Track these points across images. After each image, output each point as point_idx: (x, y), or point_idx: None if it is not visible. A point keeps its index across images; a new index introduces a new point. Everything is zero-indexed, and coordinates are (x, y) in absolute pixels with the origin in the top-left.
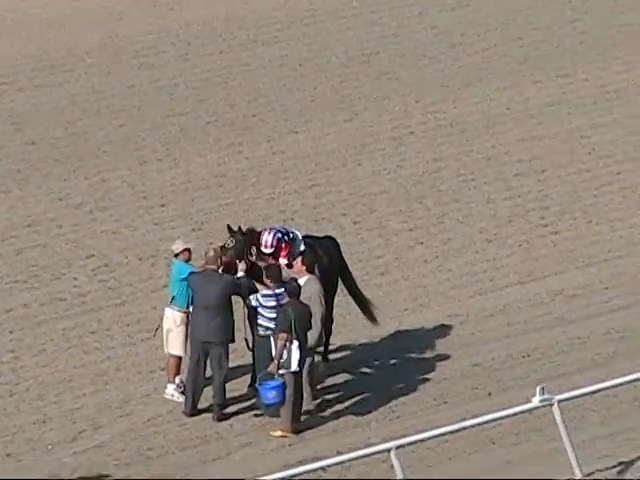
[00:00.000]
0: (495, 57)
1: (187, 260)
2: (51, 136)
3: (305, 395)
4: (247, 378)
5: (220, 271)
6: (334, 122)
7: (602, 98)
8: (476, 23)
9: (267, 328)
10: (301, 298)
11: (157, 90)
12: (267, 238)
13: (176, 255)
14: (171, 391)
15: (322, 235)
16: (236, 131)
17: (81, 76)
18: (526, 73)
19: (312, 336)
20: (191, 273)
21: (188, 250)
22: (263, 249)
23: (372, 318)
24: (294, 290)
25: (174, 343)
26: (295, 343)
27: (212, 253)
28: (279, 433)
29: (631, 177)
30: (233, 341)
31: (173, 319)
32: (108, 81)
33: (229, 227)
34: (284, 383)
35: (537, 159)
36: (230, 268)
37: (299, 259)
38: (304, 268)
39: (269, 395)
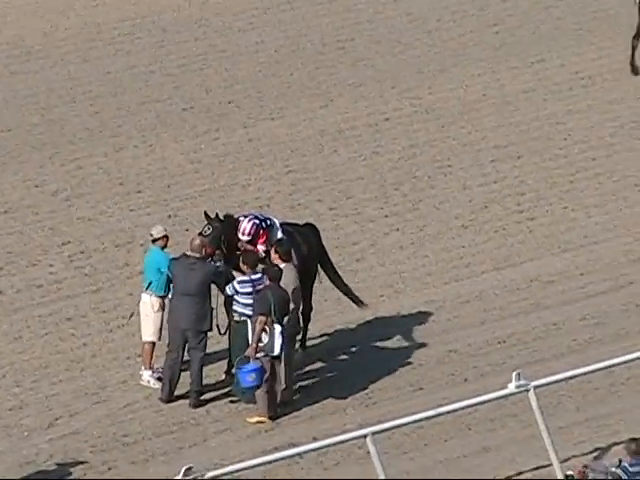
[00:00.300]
0: (471, 43)
1: (163, 247)
2: (27, 123)
3: (280, 383)
4: (223, 364)
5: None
6: (310, 108)
7: (577, 84)
8: (451, 9)
9: (242, 314)
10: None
11: (133, 77)
12: (245, 226)
13: (154, 241)
14: (147, 377)
15: (302, 223)
16: (212, 118)
17: (57, 63)
18: (502, 59)
19: (288, 324)
20: (172, 259)
21: (166, 237)
22: (241, 236)
23: (358, 301)
24: (275, 274)
25: (150, 329)
26: (277, 327)
27: (197, 241)
28: (255, 419)
29: (606, 163)
30: (211, 329)
31: (151, 304)
32: (84, 68)
33: (206, 214)
34: (262, 367)
35: (513, 145)
36: (210, 256)
37: (273, 248)
38: (277, 257)
39: (247, 378)
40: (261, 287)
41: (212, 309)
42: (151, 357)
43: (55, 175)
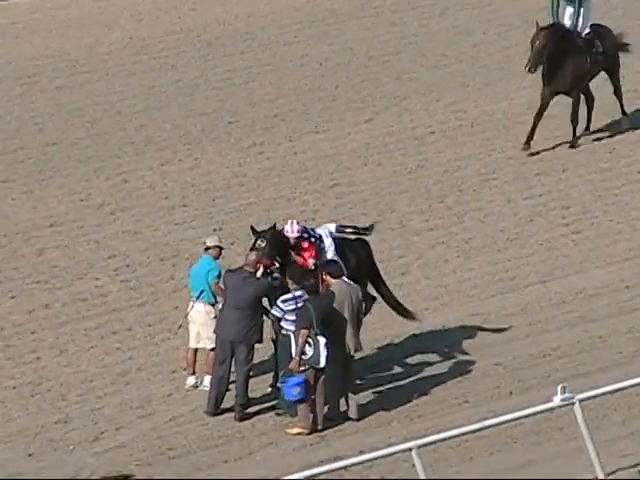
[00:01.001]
0: (516, 57)
1: (216, 257)
2: (72, 137)
3: (352, 404)
4: (268, 377)
5: (257, 274)
6: (355, 122)
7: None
8: (497, 22)
9: (289, 330)
10: (348, 305)
11: (178, 90)
12: (289, 227)
13: (207, 249)
14: (208, 383)
15: (354, 237)
16: (257, 131)
17: (102, 77)
18: None
19: (352, 340)
20: (227, 271)
21: (219, 247)
22: (289, 234)
23: (409, 315)
24: (313, 287)
25: (211, 336)
26: (322, 339)
27: (253, 257)
28: (296, 430)
29: None
30: (261, 342)
31: (205, 312)
32: (129, 82)
33: (253, 228)
34: (307, 380)
35: (558, 158)
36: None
37: (324, 271)
38: (328, 277)
39: (292, 392)
40: (303, 299)
41: (262, 322)
42: (214, 363)
43: (100, 189)
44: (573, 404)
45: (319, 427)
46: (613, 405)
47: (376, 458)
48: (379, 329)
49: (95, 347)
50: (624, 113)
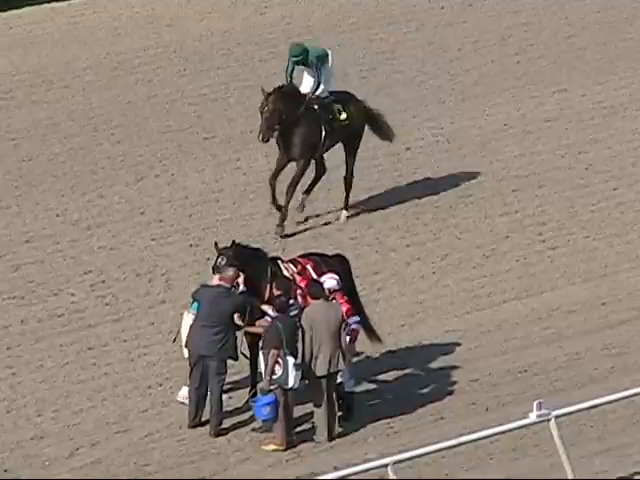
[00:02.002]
0: (492, 73)
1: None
2: (49, 152)
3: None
4: (244, 393)
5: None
6: None
7: (599, 114)
8: (473, 39)
9: None
10: (326, 325)
11: (154, 106)
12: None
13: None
14: (185, 394)
15: (332, 254)
16: (233, 147)
17: (78, 92)
18: (523, 89)
19: (333, 359)
20: (202, 286)
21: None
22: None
23: (377, 339)
24: (282, 305)
25: None
26: (291, 359)
27: (231, 272)
28: (272, 447)
29: (628, 193)
30: (235, 358)
31: None
32: (105, 97)
33: (216, 244)
34: (277, 399)
35: (534, 174)
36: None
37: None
38: (310, 299)
39: (263, 411)
40: (273, 317)
41: (235, 338)
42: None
43: (76, 204)
44: (549, 420)
45: (291, 443)
46: (589, 422)
47: (352, 474)
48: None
49: (71, 363)
50: (346, 207)
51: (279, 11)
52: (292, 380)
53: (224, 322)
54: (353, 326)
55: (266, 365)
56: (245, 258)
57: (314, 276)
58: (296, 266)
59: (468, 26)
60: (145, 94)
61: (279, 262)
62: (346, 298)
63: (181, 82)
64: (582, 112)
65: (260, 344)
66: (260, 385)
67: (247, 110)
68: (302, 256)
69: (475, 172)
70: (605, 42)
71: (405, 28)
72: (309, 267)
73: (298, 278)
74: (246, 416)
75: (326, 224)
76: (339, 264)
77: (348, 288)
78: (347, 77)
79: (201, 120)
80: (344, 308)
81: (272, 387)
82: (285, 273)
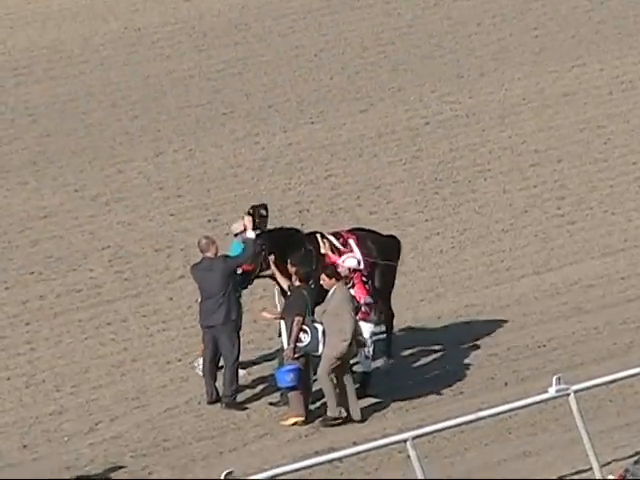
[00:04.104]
0: (510, 47)
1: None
2: (67, 128)
3: (330, 403)
4: (264, 367)
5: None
6: (350, 113)
7: (618, 88)
8: (491, 13)
9: None
10: (329, 307)
11: (172, 81)
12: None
13: (236, 235)
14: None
15: (386, 234)
16: (252, 122)
17: (97, 67)
18: (542, 63)
19: (342, 346)
20: (192, 266)
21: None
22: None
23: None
24: (306, 276)
25: None
26: (319, 326)
27: (204, 241)
28: (292, 420)
29: None
30: (237, 323)
31: None
32: (124, 72)
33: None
34: (300, 368)
35: (553, 149)
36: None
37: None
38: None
39: (287, 378)
40: (296, 285)
41: (239, 306)
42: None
43: (95, 180)
44: (568, 395)
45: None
46: (608, 396)
47: (371, 449)
48: None
49: (90, 338)
50: None
51: None
52: (321, 347)
53: (222, 289)
54: (363, 308)
55: (290, 332)
56: (278, 240)
57: (356, 250)
58: (338, 239)
59: (486, 0)
60: (163, 69)
61: (317, 237)
62: (364, 279)
63: (199, 57)
64: (601, 86)
65: (281, 313)
66: (284, 353)
67: (265, 85)
68: (350, 230)
69: (494, 147)
70: (624, 16)
71: (423, 3)
72: (351, 241)
73: (330, 254)
74: (265, 391)
75: (345, 199)
76: (388, 243)
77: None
78: (366, 52)
79: (219, 95)
80: (358, 289)
81: (297, 355)
82: (322, 248)
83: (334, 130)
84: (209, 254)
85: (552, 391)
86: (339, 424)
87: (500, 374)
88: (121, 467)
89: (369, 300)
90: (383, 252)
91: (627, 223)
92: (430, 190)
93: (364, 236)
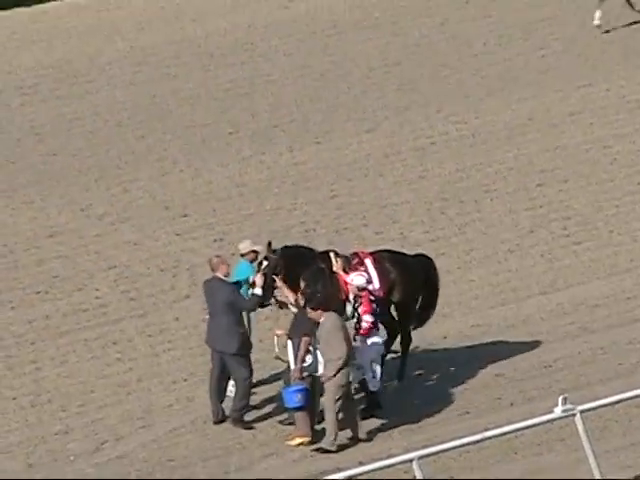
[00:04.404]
0: (517, 67)
1: (252, 261)
2: (73, 147)
3: (329, 433)
4: (271, 387)
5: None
6: (356, 132)
7: (624, 108)
8: (497, 33)
9: None
10: (320, 337)
11: (179, 101)
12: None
13: (242, 255)
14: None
15: (414, 254)
16: (257, 141)
17: (103, 87)
18: (548, 83)
19: (338, 374)
20: (205, 281)
21: (255, 252)
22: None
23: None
24: (310, 296)
25: None
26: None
27: (215, 260)
28: (297, 441)
29: None
30: (244, 353)
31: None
32: (130, 92)
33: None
34: (308, 388)
35: (559, 169)
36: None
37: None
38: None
39: (295, 398)
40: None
41: (244, 330)
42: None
43: (101, 199)
44: (574, 415)
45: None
46: (614, 416)
47: (377, 469)
48: None
49: (95, 358)
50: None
51: (303, 5)
52: (321, 368)
53: (225, 312)
54: (364, 324)
55: (296, 353)
56: (290, 258)
57: (371, 271)
58: (354, 259)
59: (492, 20)
60: (169, 89)
61: (331, 255)
62: (372, 298)
63: (205, 77)
64: (607, 106)
65: (288, 332)
66: (291, 373)
67: (271, 105)
68: (376, 251)
69: (500, 167)
70: (631, 36)
71: (429, 22)
72: (368, 262)
73: (342, 273)
74: (271, 410)
75: (351, 218)
76: (412, 264)
77: (424, 290)
78: (372, 72)
79: (225, 115)
80: (364, 308)
81: (304, 374)
82: (335, 267)
83: (340, 150)
84: (218, 274)
85: (558, 411)
86: (340, 448)
87: (506, 394)
88: None
89: (370, 319)
90: (404, 274)
91: (633, 243)
92: (436, 210)
93: (383, 257)
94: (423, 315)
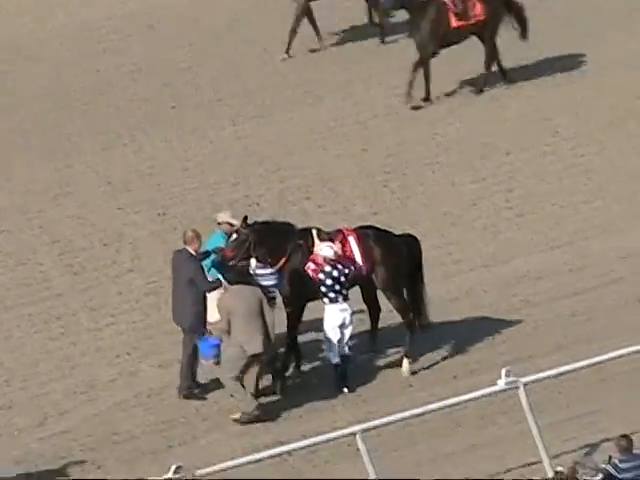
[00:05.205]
0: None
1: (227, 233)
2: (14, 121)
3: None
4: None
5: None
6: (299, 106)
7: (566, 80)
8: None
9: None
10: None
11: (121, 75)
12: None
13: (219, 224)
14: None
15: (401, 233)
16: (201, 116)
17: (45, 60)
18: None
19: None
20: (175, 252)
21: (230, 224)
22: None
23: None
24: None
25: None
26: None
27: (189, 234)
28: (239, 415)
29: (595, 159)
30: (196, 329)
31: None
32: (72, 67)
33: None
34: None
35: (502, 141)
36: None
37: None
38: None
39: (211, 352)
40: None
41: (202, 307)
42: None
43: (44, 174)
44: (517, 388)
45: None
46: (557, 389)
47: (320, 443)
48: (321, 312)
49: (39, 332)
50: None
51: None
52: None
53: (186, 287)
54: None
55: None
56: (261, 233)
57: (354, 248)
58: (337, 237)
59: None
60: (112, 63)
61: (313, 232)
62: (337, 267)
63: (148, 51)
64: (548, 79)
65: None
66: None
67: (214, 79)
68: (360, 227)
69: (442, 139)
70: (567, 9)
71: None
72: (351, 239)
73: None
74: (214, 385)
75: (294, 192)
76: (397, 244)
77: (408, 270)
78: (313, 44)
79: (168, 89)
80: (314, 271)
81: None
82: (315, 244)
83: (283, 124)
84: (189, 247)
85: (501, 384)
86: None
87: (449, 367)
88: (70, 461)
89: (328, 281)
90: (388, 252)
91: (576, 215)
92: (379, 183)
93: (368, 234)
94: (415, 295)
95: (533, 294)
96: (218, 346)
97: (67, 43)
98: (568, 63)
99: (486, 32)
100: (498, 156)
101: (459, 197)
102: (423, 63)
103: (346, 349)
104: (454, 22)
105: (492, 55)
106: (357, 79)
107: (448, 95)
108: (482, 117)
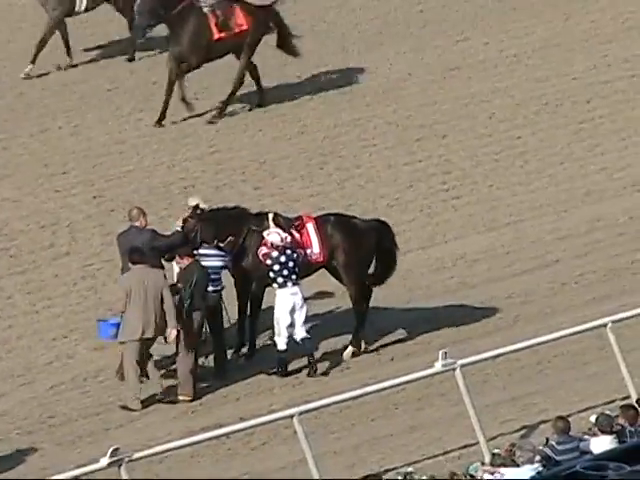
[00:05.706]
0: (395, 22)
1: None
2: None
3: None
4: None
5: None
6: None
7: (503, 62)
8: None
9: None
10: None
11: (57, 58)
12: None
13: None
14: None
15: (370, 218)
16: (136, 98)
17: None
18: (426, 38)
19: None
20: (119, 234)
21: (197, 207)
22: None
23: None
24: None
25: None
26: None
27: (135, 211)
28: (180, 399)
29: (531, 141)
30: None
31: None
32: (7, 49)
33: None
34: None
35: (438, 124)
36: None
37: None
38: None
39: (109, 332)
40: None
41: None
42: None
43: None
44: (454, 370)
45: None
46: (494, 371)
47: (257, 425)
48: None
49: None
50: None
51: None
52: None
53: (150, 259)
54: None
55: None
56: (207, 222)
57: (312, 234)
58: (295, 223)
59: None
60: (47, 45)
61: (268, 217)
62: (286, 252)
63: (83, 33)
64: (485, 61)
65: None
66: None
67: (150, 61)
68: (321, 215)
69: (379, 121)
70: None
71: None
72: (310, 225)
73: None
74: (153, 369)
75: (230, 174)
76: (360, 230)
77: (378, 253)
78: None
79: (104, 71)
80: (264, 255)
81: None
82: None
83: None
84: (137, 223)
85: (438, 366)
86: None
87: (386, 349)
88: (7, 444)
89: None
90: (348, 238)
91: (512, 197)
92: (315, 165)
93: (328, 221)
94: (380, 276)
95: (470, 276)
96: (117, 326)
97: (2, 25)
98: (506, 45)
99: (246, 44)
100: (434, 138)
101: (396, 179)
102: (184, 74)
103: (303, 332)
104: (216, 34)
105: (243, 71)
106: (293, 61)
107: (385, 77)
108: (419, 99)
